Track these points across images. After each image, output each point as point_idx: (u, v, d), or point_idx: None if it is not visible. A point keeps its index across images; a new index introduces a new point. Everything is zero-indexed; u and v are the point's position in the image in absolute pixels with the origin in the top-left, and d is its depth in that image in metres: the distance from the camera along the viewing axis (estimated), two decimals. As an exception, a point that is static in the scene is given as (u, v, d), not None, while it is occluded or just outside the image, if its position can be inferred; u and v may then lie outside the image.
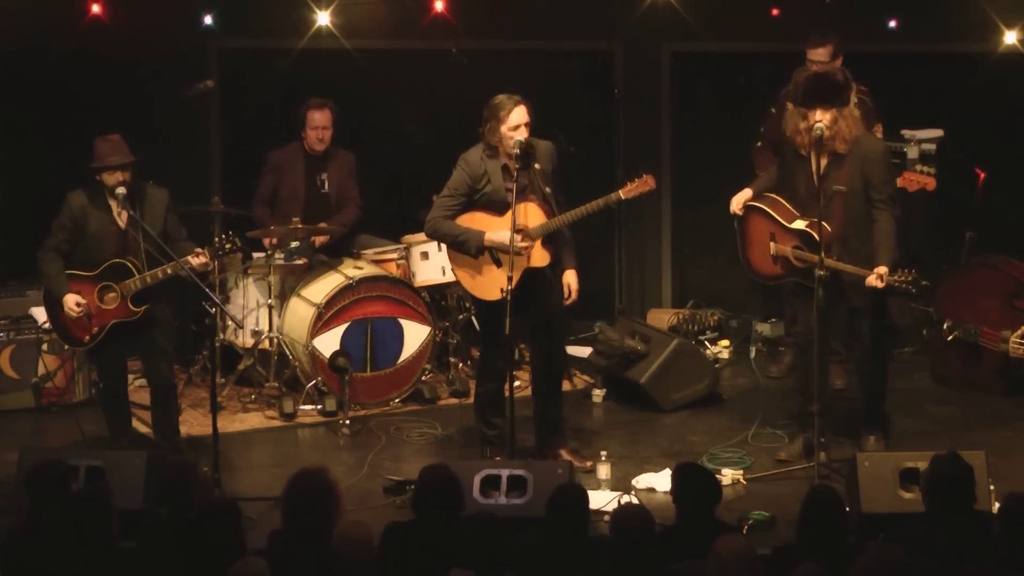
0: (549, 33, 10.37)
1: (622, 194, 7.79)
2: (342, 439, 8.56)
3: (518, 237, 7.55)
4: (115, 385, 8.13)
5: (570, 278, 7.89)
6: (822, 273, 7.46)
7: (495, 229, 7.67)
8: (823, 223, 7.51)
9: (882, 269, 7.46)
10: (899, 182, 8.77)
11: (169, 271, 7.75)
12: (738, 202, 7.98)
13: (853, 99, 7.74)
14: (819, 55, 8.79)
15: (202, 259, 7.78)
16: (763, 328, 10.01)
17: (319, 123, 9.39)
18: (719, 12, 10.09)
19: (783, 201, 7.81)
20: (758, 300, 9.90)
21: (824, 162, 7.62)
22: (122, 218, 7.83)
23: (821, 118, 7.52)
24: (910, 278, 7.42)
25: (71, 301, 7.80)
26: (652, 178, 7.82)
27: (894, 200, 7.66)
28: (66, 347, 8.59)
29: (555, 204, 7.71)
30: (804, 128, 7.57)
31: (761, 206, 7.89)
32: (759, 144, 9.25)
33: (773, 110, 8.98)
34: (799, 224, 7.67)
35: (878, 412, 8.02)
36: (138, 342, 8.01)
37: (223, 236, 7.90)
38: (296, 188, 9.48)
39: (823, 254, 7.46)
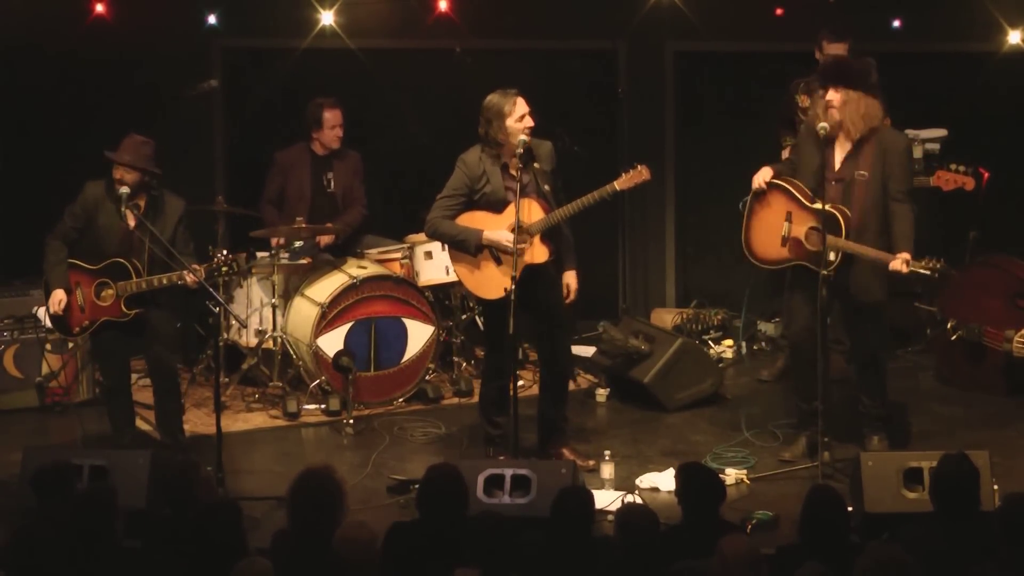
0: (553, 33, 10.38)
1: (617, 185, 7.76)
2: (346, 438, 8.56)
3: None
4: (117, 383, 8.13)
5: (569, 278, 7.89)
6: (826, 273, 7.46)
7: (494, 227, 7.68)
8: (844, 208, 7.54)
9: (906, 255, 7.45)
10: (933, 181, 8.80)
11: (165, 281, 7.77)
12: (762, 177, 7.92)
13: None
14: (836, 49, 8.87)
15: (193, 278, 7.69)
16: (767, 327, 10.02)
17: (335, 121, 9.41)
18: (723, 11, 10.10)
19: (802, 184, 7.79)
20: (762, 299, 9.89)
21: (842, 150, 7.63)
22: (130, 218, 7.82)
23: (831, 97, 7.58)
24: (939, 265, 7.41)
25: (56, 296, 7.85)
26: (647, 169, 7.79)
27: (911, 196, 7.66)
28: (65, 340, 8.67)
29: (554, 202, 7.72)
30: (820, 110, 7.62)
31: (783, 183, 7.86)
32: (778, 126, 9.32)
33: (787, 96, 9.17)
34: (820, 205, 7.63)
35: (881, 412, 8.01)
36: (138, 341, 8.02)
37: (221, 257, 7.84)
38: (302, 188, 9.47)
39: (843, 238, 7.48)
